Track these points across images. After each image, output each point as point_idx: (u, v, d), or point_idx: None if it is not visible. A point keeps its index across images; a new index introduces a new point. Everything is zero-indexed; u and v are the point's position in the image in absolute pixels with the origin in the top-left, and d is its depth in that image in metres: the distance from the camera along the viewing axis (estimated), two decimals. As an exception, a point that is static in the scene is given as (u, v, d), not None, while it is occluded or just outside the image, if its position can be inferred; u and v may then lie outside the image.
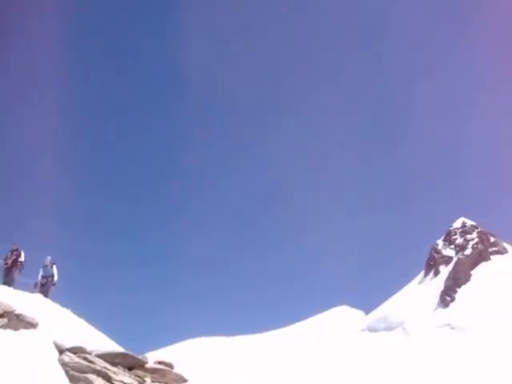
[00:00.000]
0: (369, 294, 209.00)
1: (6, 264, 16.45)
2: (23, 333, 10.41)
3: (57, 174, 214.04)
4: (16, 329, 10.42)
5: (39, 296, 14.73)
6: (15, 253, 16.82)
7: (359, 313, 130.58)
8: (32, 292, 16.27)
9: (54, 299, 15.69)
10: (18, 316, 10.75)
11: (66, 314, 14.18)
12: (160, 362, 12.07)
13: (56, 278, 16.77)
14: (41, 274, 16.92)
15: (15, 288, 15.62)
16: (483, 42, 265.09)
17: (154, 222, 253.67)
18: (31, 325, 10.83)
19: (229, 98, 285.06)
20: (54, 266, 17.02)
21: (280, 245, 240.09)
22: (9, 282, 16.05)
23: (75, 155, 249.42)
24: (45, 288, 16.54)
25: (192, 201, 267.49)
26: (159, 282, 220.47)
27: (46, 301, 14.42)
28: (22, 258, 16.82)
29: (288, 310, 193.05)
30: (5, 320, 10.40)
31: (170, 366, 12.09)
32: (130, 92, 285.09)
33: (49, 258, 17.23)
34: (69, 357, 10.28)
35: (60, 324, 12.12)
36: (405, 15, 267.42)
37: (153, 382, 11.51)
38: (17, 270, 16.65)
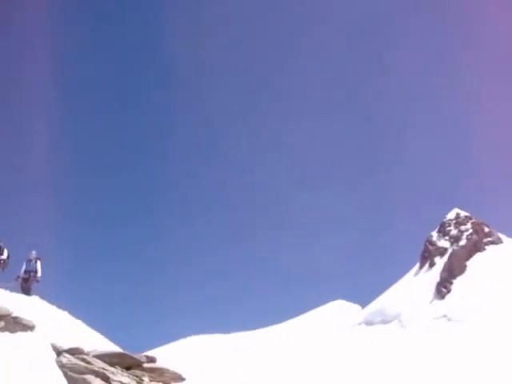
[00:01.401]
0: (365, 287, 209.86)
1: None
2: (20, 335, 10.46)
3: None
4: (13, 331, 10.47)
5: (35, 298, 14.68)
6: None
7: (355, 307, 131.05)
8: (14, 285, 16.04)
9: (35, 294, 15.42)
10: (14, 319, 10.80)
11: (64, 315, 14.21)
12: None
13: (39, 274, 16.29)
14: (24, 268, 16.41)
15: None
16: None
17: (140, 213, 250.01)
18: (28, 327, 10.88)
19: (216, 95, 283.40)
20: (39, 262, 16.52)
21: (275, 240, 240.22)
22: None
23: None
24: (27, 283, 16.10)
25: (173, 195, 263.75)
26: (157, 282, 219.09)
27: (43, 303, 14.41)
28: (5, 256, 16.28)
29: (284, 306, 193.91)
30: (2, 323, 10.46)
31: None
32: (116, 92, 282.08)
33: (34, 252, 16.71)
34: (67, 358, 10.33)
35: (57, 326, 12.16)
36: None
37: (151, 381, 11.58)
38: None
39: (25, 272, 16.30)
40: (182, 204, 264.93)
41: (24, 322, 10.91)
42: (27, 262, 16.53)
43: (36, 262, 16.51)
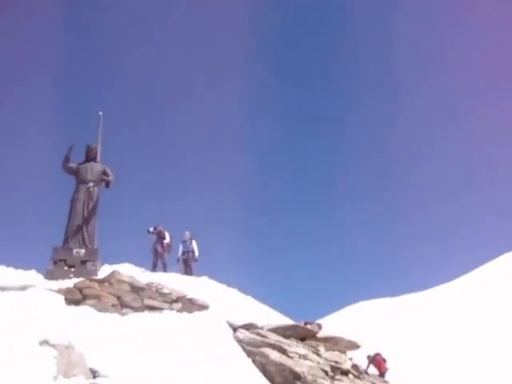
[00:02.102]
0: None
1: (156, 249, 16.61)
2: (197, 315, 11.01)
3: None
4: (190, 311, 11.05)
5: (204, 278, 15.31)
6: (160, 234, 16.82)
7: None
8: (178, 267, 16.71)
9: (197, 274, 15.92)
10: (190, 300, 11.42)
11: (233, 293, 14.72)
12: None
13: (197, 253, 16.76)
14: (181, 249, 16.93)
15: (168, 271, 16.38)
16: None
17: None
18: (203, 307, 11.42)
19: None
20: (194, 241, 16.95)
21: (437, 199, 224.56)
22: (163, 266, 16.52)
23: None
24: (188, 264, 16.66)
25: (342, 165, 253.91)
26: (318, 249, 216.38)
27: (211, 282, 15.01)
28: (168, 240, 16.83)
29: (451, 263, 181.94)
30: (179, 305, 11.10)
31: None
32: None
33: (187, 233, 17.21)
34: (243, 333, 10.66)
35: (229, 303, 12.61)
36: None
37: (326, 350, 11.48)
38: (166, 253, 16.81)
39: (183, 253, 16.92)
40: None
41: (199, 303, 11.47)
42: (183, 243, 17.13)
43: (191, 242, 17.03)
